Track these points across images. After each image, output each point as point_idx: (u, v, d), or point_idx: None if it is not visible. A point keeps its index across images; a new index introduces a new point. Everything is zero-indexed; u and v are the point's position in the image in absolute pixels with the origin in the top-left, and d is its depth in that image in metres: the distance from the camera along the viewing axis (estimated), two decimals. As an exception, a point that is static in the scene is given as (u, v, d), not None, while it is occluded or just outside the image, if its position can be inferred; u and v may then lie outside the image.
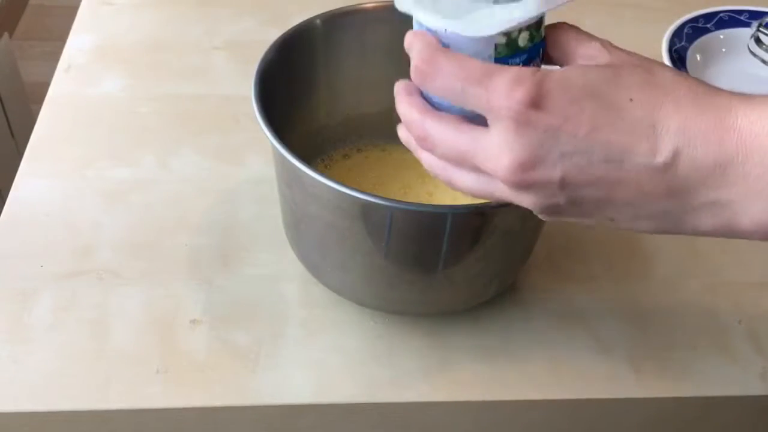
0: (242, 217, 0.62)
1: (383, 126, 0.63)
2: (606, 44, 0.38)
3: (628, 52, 0.38)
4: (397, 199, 0.58)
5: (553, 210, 0.38)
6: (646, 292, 0.60)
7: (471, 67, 0.36)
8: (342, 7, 0.57)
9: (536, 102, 0.35)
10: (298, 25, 0.56)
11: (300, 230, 0.54)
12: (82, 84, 0.74)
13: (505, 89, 0.35)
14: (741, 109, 0.35)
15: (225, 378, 0.52)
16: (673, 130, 0.35)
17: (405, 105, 0.40)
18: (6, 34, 1.27)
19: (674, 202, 0.36)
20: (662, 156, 0.35)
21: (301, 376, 0.52)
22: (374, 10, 0.58)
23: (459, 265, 0.51)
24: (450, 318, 0.56)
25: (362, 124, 0.62)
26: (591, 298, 0.59)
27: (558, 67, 0.39)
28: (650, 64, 0.37)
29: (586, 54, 0.38)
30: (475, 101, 0.36)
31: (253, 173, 0.66)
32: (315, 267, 0.55)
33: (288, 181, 0.51)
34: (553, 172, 0.36)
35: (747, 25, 0.83)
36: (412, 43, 0.39)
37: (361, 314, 0.56)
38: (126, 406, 0.51)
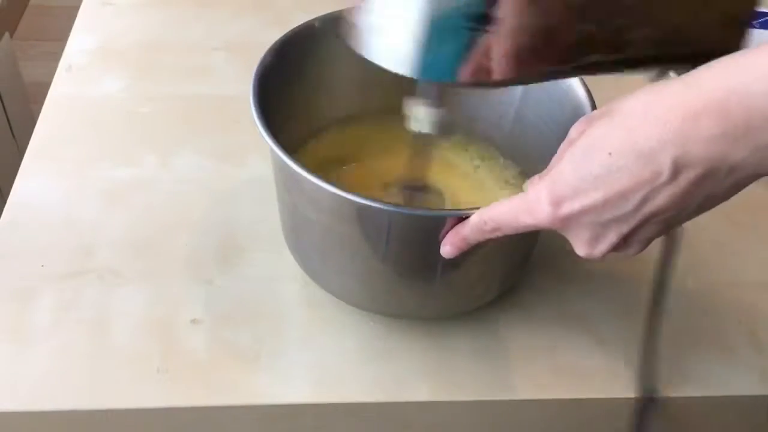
0: (242, 217, 0.62)
1: (382, 124, 0.63)
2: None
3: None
4: (396, 195, 0.58)
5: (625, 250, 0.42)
6: (646, 292, 0.59)
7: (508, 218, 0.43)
8: (341, 9, 0.57)
9: (557, 203, 0.40)
10: (296, 27, 0.56)
11: (299, 234, 0.54)
12: (83, 84, 0.74)
13: (539, 210, 0.41)
14: (691, 87, 0.37)
15: (225, 378, 0.52)
16: (657, 146, 0.37)
17: (463, 229, 0.45)
18: (6, 34, 1.27)
19: (709, 185, 0.38)
20: (666, 169, 0.37)
21: (301, 376, 0.53)
22: None
23: (458, 269, 0.51)
24: (450, 318, 0.56)
25: (360, 124, 0.62)
26: (591, 298, 0.59)
27: None
28: (610, 104, 0.40)
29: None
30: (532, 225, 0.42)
31: (253, 173, 0.66)
32: (314, 271, 0.55)
33: (287, 185, 0.51)
34: (613, 238, 0.41)
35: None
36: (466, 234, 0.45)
37: (361, 315, 0.56)
38: (126, 406, 0.51)
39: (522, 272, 0.58)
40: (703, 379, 0.54)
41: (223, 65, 0.77)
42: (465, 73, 0.41)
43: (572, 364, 0.54)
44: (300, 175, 0.46)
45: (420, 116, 0.48)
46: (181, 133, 0.70)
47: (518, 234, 0.43)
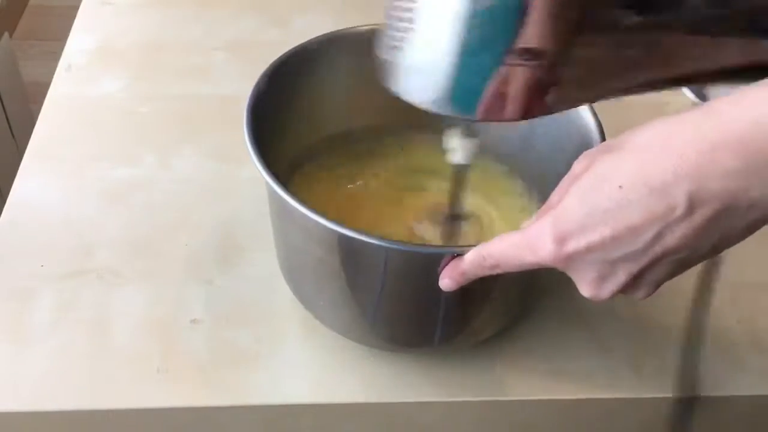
0: (242, 217, 0.62)
1: (379, 147, 0.62)
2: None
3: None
4: (393, 222, 0.57)
5: (633, 292, 0.40)
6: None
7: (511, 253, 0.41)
8: (334, 31, 0.57)
9: (561, 240, 0.38)
10: (289, 51, 0.54)
11: (291, 263, 0.53)
12: (83, 84, 0.74)
13: (542, 247, 0.39)
14: (707, 121, 0.35)
15: (225, 378, 0.52)
16: (672, 179, 0.35)
17: (462, 263, 0.43)
18: (6, 34, 1.27)
19: (726, 222, 0.35)
20: (681, 205, 0.35)
21: (301, 376, 0.53)
22: (367, 33, 0.57)
23: (463, 306, 0.49)
24: (450, 353, 0.56)
25: (356, 145, 0.61)
26: (591, 298, 0.59)
27: None
28: (617, 138, 0.38)
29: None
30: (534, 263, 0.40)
31: (253, 173, 0.65)
32: (307, 301, 0.54)
33: (279, 212, 0.50)
34: (621, 278, 0.38)
35: None
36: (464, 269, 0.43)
37: (361, 314, 0.56)
38: (126, 406, 0.51)
39: (525, 306, 0.57)
40: (703, 379, 0.54)
41: (223, 65, 0.77)
42: (492, 109, 0.39)
43: (572, 364, 0.54)
44: (292, 205, 0.44)
45: (454, 147, 0.47)
46: (181, 133, 0.70)
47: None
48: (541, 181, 0.56)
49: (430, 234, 0.55)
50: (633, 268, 0.38)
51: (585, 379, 0.54)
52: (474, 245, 0.42)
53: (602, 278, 0.39)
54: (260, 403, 0.51)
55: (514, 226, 0.42)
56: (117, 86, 0.74)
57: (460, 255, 0.43)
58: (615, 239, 0.36)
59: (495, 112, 0.40)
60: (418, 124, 0.61)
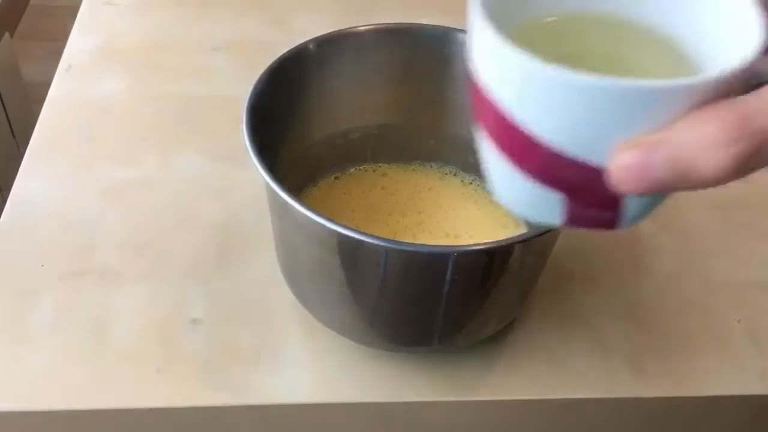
0: (242, 217, 0.62)
1: (378, 148, 0.62)
2: None
3: None
4: (390, 223, 0.57)
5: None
6: (646, 292, 0.60)
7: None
8: (334, 31, 0.57)
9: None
10: (289, 51, 0.54)
11: (291, 262, 0.53)
12: (83, 84, 0.74)
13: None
14: None
15: (225, 378, 0.52)
16: None
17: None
18: (6, 34, 1.27)
19: None
20: None
21: (301, 376, 0.53)
22: (368, 32, 0.57)
23: (462, 306, 0.49)
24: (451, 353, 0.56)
25: (355, 146, 0.61)
26: (591, 298, 0.59)
27: None
28: None
29: None
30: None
31: (253, 173, 0.65)
32: (306, 300, 0.54)
33: (278, 212, 0.50)
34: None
35: None
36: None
37: (361, 314, 0.56)
38: (126, 406, 0.51)
39: (525, 306, 0.57)
40: (703, 379, 0.54)
41: (223, 65, 0.77)
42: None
43: (572, 364, 0.54)
44: (291, 205, 0.44)
45: None
46: (181, 133, 0.70)
47: (529, 264, 0.38)
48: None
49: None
50: None
51: (585, 379, 0.54)
52: (474, 246, 0.42)
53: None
54: (260, 403, 0.51)
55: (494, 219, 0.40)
56: (118, 86, 0.74)
57: (461, 254, 0.43)
58: None
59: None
60: (419, 126, 0.61)
